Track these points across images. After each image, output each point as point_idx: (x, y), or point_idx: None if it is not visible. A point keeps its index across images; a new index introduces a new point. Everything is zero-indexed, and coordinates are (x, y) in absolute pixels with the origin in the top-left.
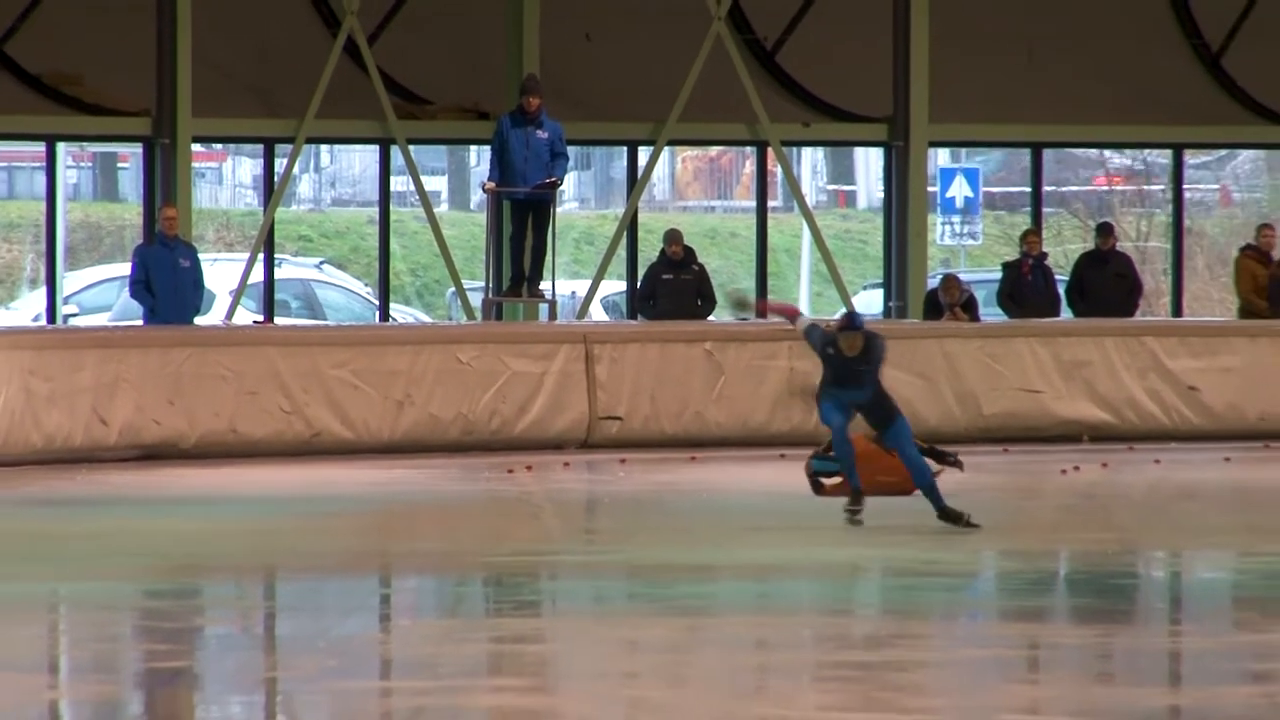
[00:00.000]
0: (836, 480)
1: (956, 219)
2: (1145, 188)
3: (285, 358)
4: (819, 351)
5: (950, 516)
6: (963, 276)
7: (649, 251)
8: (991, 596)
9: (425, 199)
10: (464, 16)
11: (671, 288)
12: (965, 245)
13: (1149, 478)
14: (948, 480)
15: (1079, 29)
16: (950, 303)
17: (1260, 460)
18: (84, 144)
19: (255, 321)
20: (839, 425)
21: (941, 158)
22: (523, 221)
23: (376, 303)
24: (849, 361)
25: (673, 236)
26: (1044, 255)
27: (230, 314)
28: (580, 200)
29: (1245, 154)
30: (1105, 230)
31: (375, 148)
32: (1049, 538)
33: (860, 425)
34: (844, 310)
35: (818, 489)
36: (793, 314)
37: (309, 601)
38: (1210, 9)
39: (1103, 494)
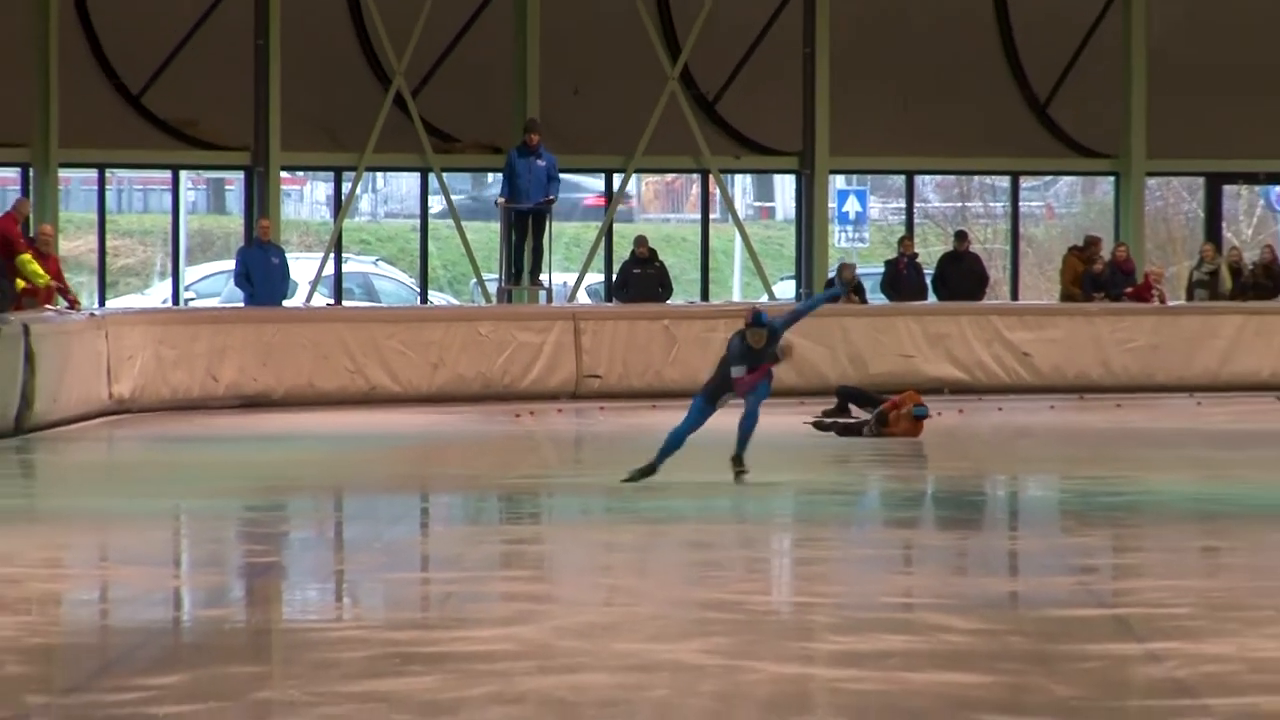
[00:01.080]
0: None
1: (850, 227)
2: (991, 204)
3: (350, 331)
4: (738, 350)
5: (739, 464)
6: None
7: (621, 251)
8: (877, 510)
9: (454, 212)
10: (483, 76)
11: (639, 279)
12: (856, 247)
13: (993, 421)
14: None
15: (941, 87)
16: (847, 280)
17: (1077, 408)
18: (199, 171)
19: (327, 304)
20: (694, 420)
21: (839, 182)
22: (525, 229)
23: (418, 290)
24: (748, 353)
25: (640, 241)
26: (915, 255)
27: (308, 298)
28: (566, 214)
29: (1064, 180)
30: (961, 236)
31: (417, 174)
32: (920, 466)
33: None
34: (752, 308)
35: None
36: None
37: (366, 513)
38: (1039, 72)
39: (959, 433)
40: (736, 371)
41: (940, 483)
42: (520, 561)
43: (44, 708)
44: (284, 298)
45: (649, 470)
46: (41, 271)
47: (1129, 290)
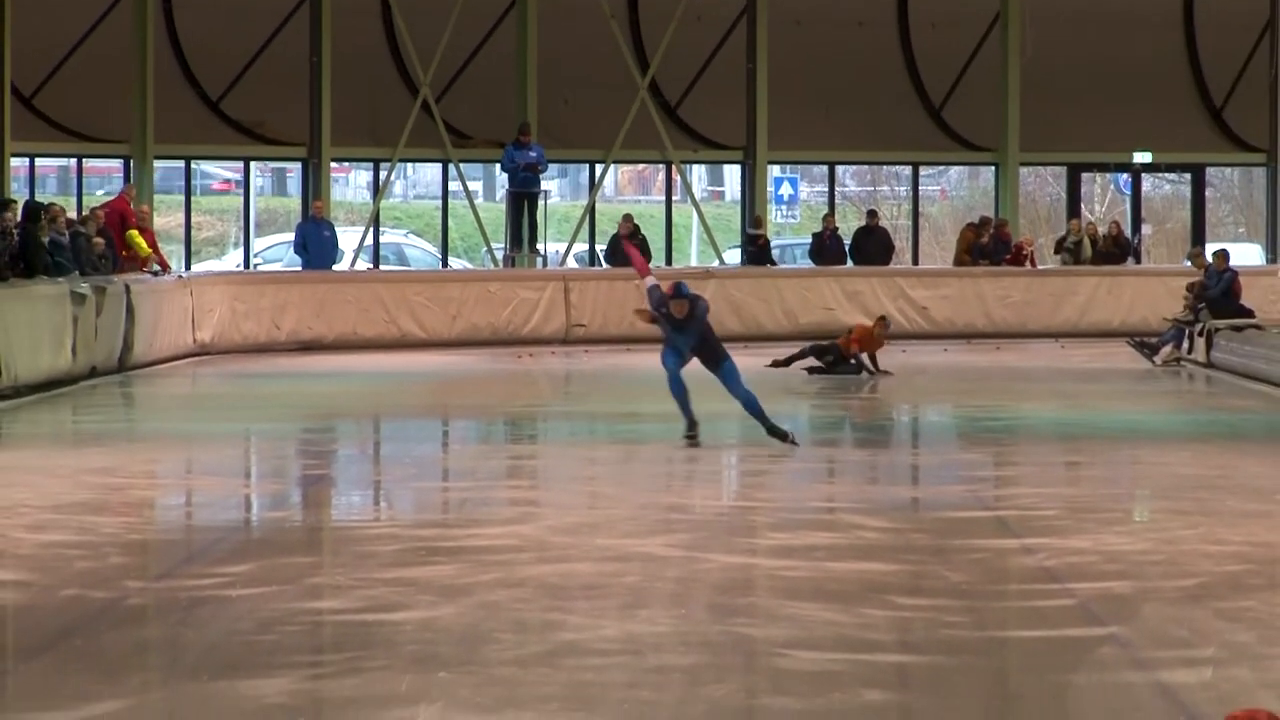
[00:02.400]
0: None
1: (784, 207)
2: (896, 188)
3: (385, 289)
4: (655, 309)
5: (776, 433)
6: (785, 243)
7: (604, 227)
8: (806, 431)
9: (468, 194)
10: (491, 87)
11: (621, 248)
12: (789, 222)
13: (898, 360)
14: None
15: (857, 96)
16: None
17: (965, 351)
18: (266, 162)
19: (367, 268)
20: (673, 367)
21: (775, 171)
22: (523, 208)
23: (440, 256)
24: (679, 321)
25: (627, 217)
26: (836, 229)
27: (352, 264)
28: (560, 195)
29: (954, 169)
30: (872, 214)
31: (439, 164)
32: (840, 397)
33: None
34: (674, 281)
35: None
36: (643, 272)
37: (399, 434)
38: (935, 83)
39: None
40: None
41: (856, 411)
42: (520, 473)
43: (140, 590)
44: (333, 263)
45: (691, 428)
46: (145, 245)
47: (1007, 257)
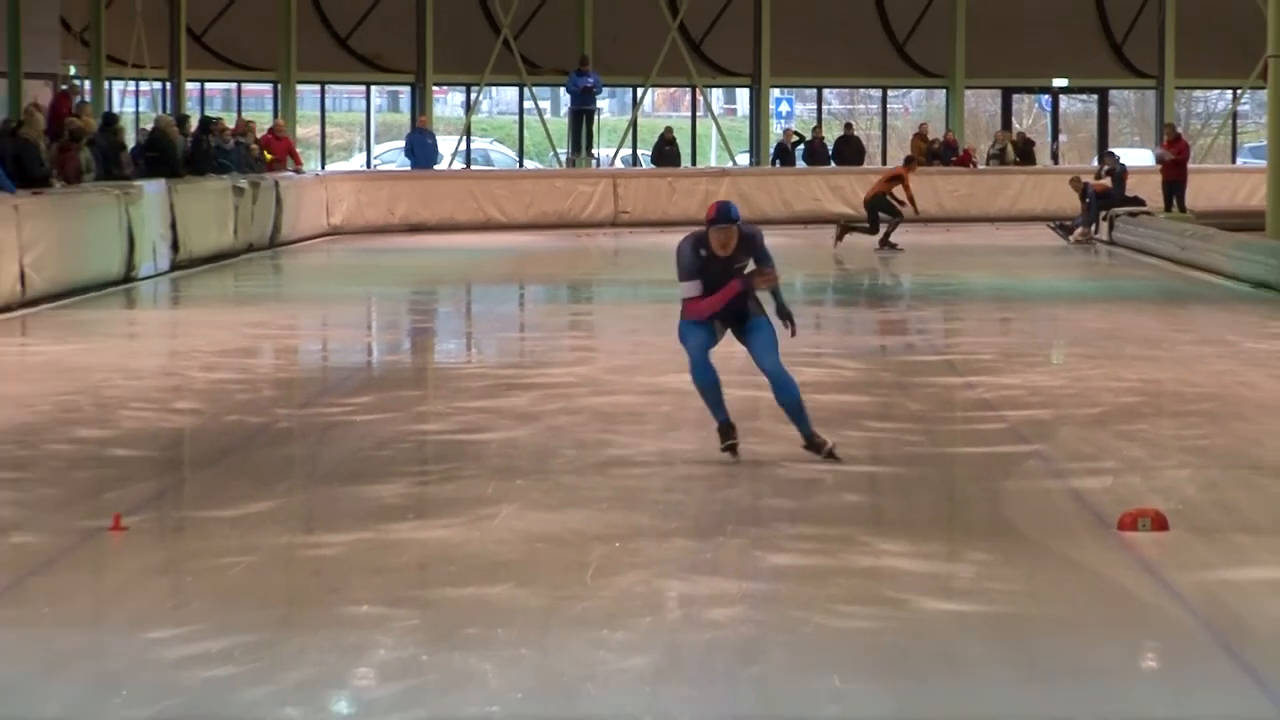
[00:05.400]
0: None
1: (782, 121)
2: (869, 106)
3: (476, 184)
4: (689, 263)
5: (815, 446)
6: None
7: (644, 135)
8: (799, 294)
9: (539, 111)
10: (557, 27)
11: (666, 154)
12: (786, 130)
13: (869, 242)
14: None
15: (838, 34)
16: (792, 142)
17: (920, 232)
18: (382, 87)
19: (461, 168)
20: (696, 347)
21: (775, 93)
22: (582, 121)
23: (517, 159)
24: (723, 263)
25: (668, 130)
26: (822, 138)
27: (449, 164)
28: (610, 112)
29: (915, 91)
30: (848, 127)
31: (516, 87)
32: (822, 268)
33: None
34: (716, 201)
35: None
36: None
37: (487, 297)
38: (900, 24)
39: (849, 248)
40: (688, 290)
41: (837, 278)
42: (579, 326)
43: (286, 417)
44: (434, 164)
45: (728, 433)
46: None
47: (954, 159)
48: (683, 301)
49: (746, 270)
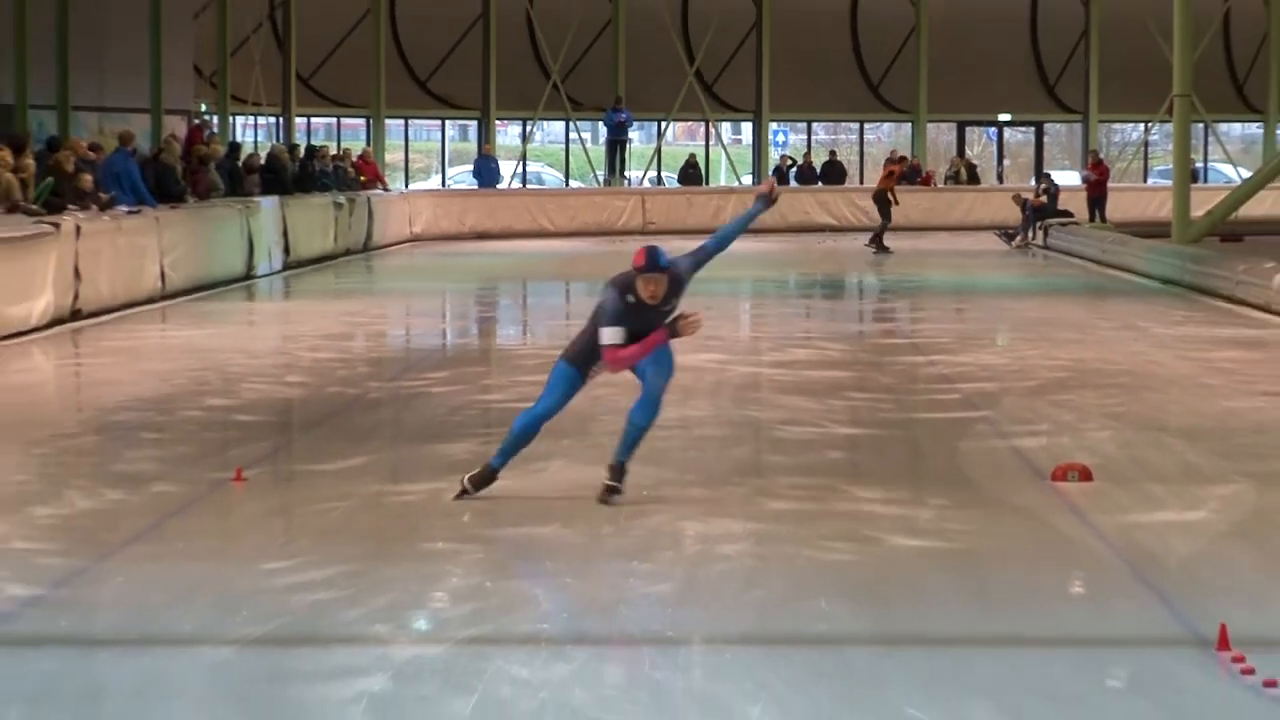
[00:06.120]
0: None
1: (778, 149)
2: (849, 137)
3: (530, 200)
4: (613, 310)
5: (615, 473)
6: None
7: (668, 160)
8: (791, 289)
9: (581, 140)
10: (596, 72)
11: (690, 176)
12: (783, 156)
13: (852, 246)
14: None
15: (823, 77)
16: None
17: (891, 238)
18: (454, 120)
19: (519, 186)
20: (556, 401)
21: (774, 126)
22: (616, 149)
23: (564, 179)
24: (651, 308)
25: (691, 157)
26: (810, 163)
27: (509, 184)
28: (639, 141)
29: (886, 125)
30: (833, 154)
31: (563, 121)
32: (811, 266)
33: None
34: (644, 247)
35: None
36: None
37: (538, 291)
38: (875, 67)
39: (835, 252)
40: (610, 336)
41: (824, 276)
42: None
43: (377, 389)
44: (497, 184)
45: (487, 478)
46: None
47: (919, 180)
48: (601, 347)
49: (674, 313)
